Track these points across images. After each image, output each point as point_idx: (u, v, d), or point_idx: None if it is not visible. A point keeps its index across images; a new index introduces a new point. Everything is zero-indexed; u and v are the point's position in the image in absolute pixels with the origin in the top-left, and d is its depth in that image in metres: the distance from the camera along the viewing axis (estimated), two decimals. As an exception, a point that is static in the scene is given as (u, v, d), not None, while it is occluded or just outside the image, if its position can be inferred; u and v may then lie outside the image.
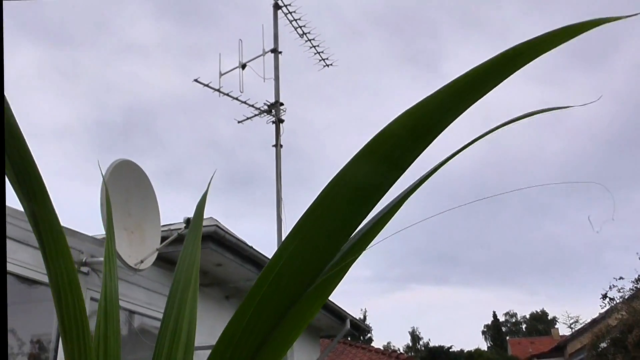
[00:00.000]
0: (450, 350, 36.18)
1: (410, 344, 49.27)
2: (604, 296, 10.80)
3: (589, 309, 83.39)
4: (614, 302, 10.67)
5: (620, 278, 10.56)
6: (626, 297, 10.49)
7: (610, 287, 10.68)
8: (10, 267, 3.75)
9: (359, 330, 9.73)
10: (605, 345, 10.60)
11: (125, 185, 4.24)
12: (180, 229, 4.58)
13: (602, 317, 15.02)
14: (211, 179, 1.42)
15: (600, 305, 11.09)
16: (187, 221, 4.42)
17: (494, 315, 60.11)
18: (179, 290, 1.04)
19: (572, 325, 46.89)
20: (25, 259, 3.85)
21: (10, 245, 3.75)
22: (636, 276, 10.35)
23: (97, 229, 4.59)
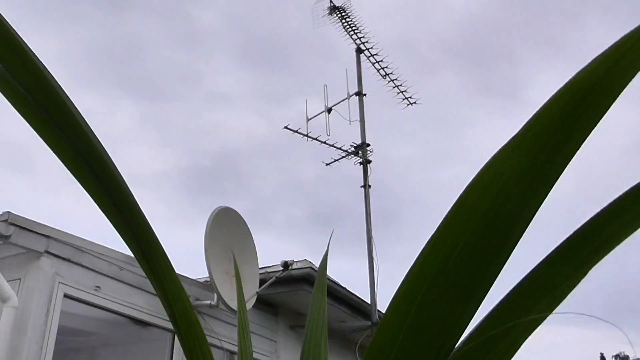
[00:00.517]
0: (556, 395, 33.74)
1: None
2: None
3: None
4: None
5: None
6: None
7: None
8: (126, 311, 4.05)
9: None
10: None
11: (226, 231, 4.49)
12: (278, 271, 4.75)
13: None
14: (329, 240, 1.42)
15: None
16: (285, 265, 4.59)
17: (602, 358, 55.63)
18: (311, 351, 1.08)
19: (695, 370, 42.38)
20: (139, 302, 4.14)
21: (126, 290, 4.05)
22: None
23: (199, 272, 4.86)
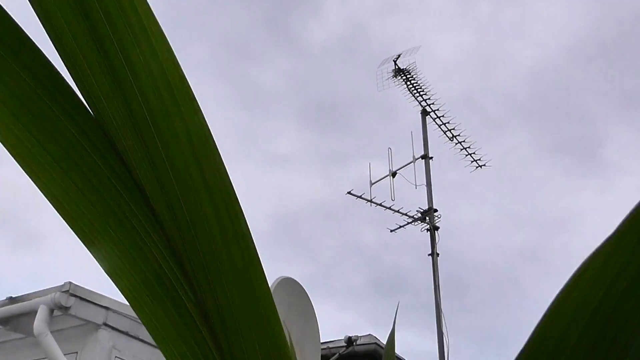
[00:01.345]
0: None
1: None
2: None
3: None
4: None
5: None
6: None
7: None
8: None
9: None
10: None
11: (287, 302, 4.30)
12: (341, 347, 4.48)
13: None
14: (396, 314, 1.31)
15: None
16: (349, 341, 4.32)
17: None
18: None
19: None
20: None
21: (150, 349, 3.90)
22: None
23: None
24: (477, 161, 6.31)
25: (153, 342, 3.77)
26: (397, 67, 6.68)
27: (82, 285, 3.43)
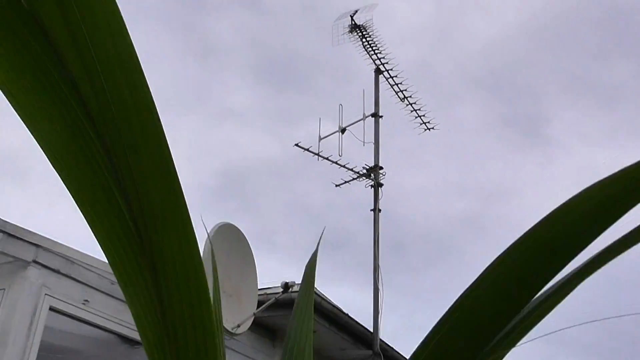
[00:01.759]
0: None
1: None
2: None
3: None
4: None
5: None
6: None
7: None
8: (116, 328, 3.85)
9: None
10: None
11: (227, 248, 4.30)
12: (277, 293, 4.53)
13: None
14: (321, 236, 1.34)
15: None
16: (285, 286, 4.37)
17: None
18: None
19: None
20: (130, 319, 3.94)
21: (117, 305, 3.86)
22: None
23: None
24: (426, 124, 6.38)
25: (85, 281, 3.71)
26: (353, 22, 6.60)
27: (10, 221, 3.31)
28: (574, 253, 0.52)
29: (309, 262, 1.13)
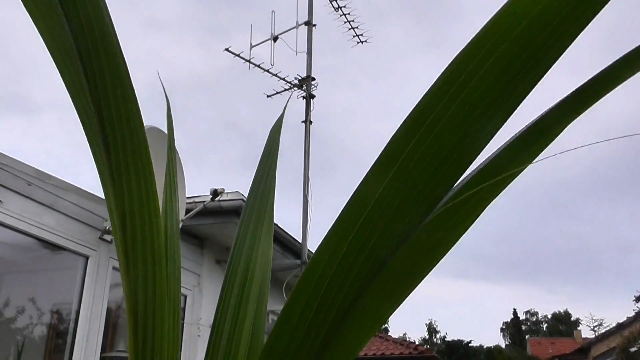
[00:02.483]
0: (469, 345, 35.85)
1: (427, 337, 49.00)
2: (638, 299, 10.46)
3: (614, 313, 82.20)
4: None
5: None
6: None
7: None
8: (34, 231, 3.68)
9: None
10: (636, 349, 10.28)
11: (153, 152, 4.14)
12: (205, 201, 4.47)
13: (630, 321, 14.60)
14: (288, 101, 1.31)
15: (634, 310, 10.75)
16: (214, 193, 4.30)
17: (514, 313, 59.42)
18: (250, 227, 0.93)
19: (595, 328, 46.13)
20: (49, 223, 3.77)
21: (34, 208, 3.68)
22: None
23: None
24: (359, 36, 6.28)
25: (36, 198, 3.49)
26: None
27: None
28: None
29: (273, 127, 1.10)
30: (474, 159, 0.47)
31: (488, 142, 0.46)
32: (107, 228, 4.14)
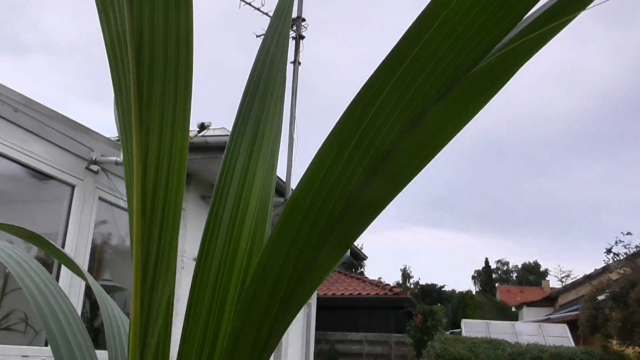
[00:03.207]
0: (442, 289, 37.05)
1: (401, 282, 50.42)
2: (609, 250, 10.83)
3: (582, 266, 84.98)
4: (618, 258, 10.72)
5: (628, 233, 10.56)
6: (631, 252, 10.53)
7: (616, 242, 10.70)
8: (20, 157, 3.67)
9: (357, 259, 9.85)
10: (603, 298, 10.73)
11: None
12: (193, 136, 4.47)
13: (598, 272, 15.17)
14: None
15: (604, 260, 11.15)
16: (201, 126, 4.30)
17: (486, 262, 61.19)
18: (259, 89, 0.86)
19: (563, 279, 47.85)
20: (36, 150, 3.76)
21: (21, 135, 3.65)
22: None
23: (111, 131, 4.49)
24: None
25: (22, 124, 3.43)
26: None
27: None
28: None
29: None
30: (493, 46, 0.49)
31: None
32: (94, 158, 4.14)
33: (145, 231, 0.67)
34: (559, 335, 13.76)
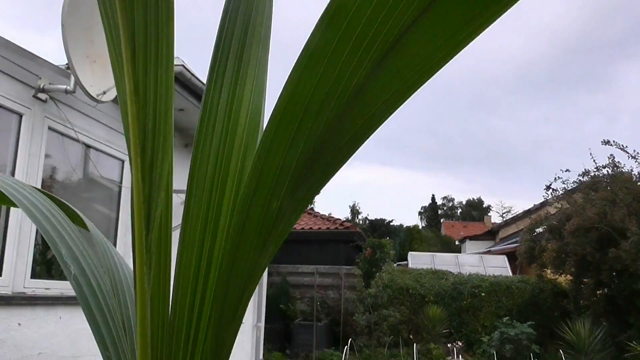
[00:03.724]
0: (391, 224, 38.16)
1: (350, 217, 51.55)
2: (548, 187, 11.34)
3: (523, 202, 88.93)
4: (557, 193, 11.26)
5: (567, 170, 11.05)
6: (569, 188, 11.07)
7: (555, 179, 11.20)
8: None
9: (311, 194, 9.96)
10: (540, 230, 11.34)
11: (89, 10, 3.91)
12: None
13: (537, 207, 15.96)
14: None
15: (544, 196, 11.68)
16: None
17: (432, 199, 63.15)
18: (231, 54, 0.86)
19: (504, 215, 50.04)
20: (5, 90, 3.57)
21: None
22: (582, 170, 10.85)
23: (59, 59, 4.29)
24: None
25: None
26: None
27: None
28: None
29: None
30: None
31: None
32: (42, 86, 3.98)
33: (140, 111, 0.70)
34: (499, 266, 14.57)
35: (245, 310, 0.74)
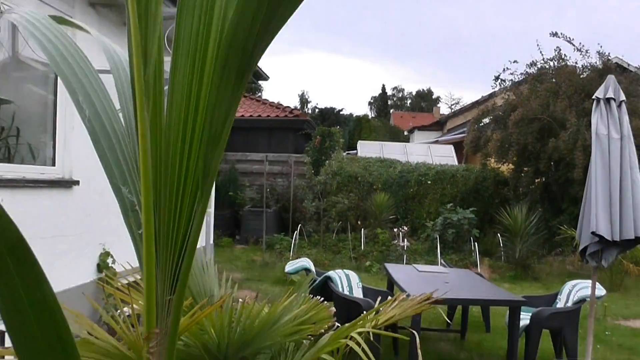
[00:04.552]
0: (340, 113, 38.16)
1: (299, 106, 51.18)
2: (497, 78, 11.39)
3: (471, 93, 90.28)
4: (505, 85, 11.34)
5: (515, 62, 11.08)
6: (516, 80, 11.16)
7: (503, 70, 11.22)
8: None
9: (259, 78, 9.65)
10: (487, 121, 11.55)
11: None
12: None
13: (485, 99, 16.17)
14: None
15: (492, 87, 11.75)
16: None
17: (383, 89, 63.09)
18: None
19: (452, 106, 50.88)
20: None
21: None
22: (530, 61, 10.89)
23: None
24: None
25: None
26: None
27: None
28: None
29: None
30: None
31: None
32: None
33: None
34: (445, 155, 14.95)
35: (226, 138, 0.91)
